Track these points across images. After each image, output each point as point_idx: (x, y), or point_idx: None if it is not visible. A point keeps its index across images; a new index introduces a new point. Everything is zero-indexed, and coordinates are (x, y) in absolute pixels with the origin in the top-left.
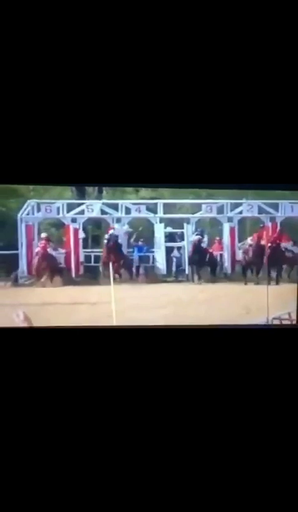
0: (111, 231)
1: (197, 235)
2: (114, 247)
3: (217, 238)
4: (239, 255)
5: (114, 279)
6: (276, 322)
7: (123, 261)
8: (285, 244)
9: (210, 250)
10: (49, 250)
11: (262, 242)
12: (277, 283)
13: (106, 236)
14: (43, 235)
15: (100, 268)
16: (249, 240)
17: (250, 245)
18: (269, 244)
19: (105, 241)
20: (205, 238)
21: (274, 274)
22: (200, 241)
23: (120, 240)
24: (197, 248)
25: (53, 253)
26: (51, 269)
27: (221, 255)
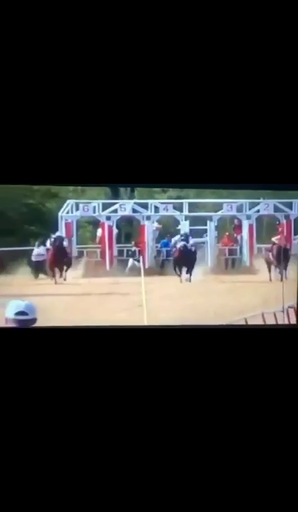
0: (57, 233)
1: (182, 240)
2: (60, 248)
3: (227, 233)
4: (255, 250)
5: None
6: (291, 310)
7: (67, 260)
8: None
9: (220, 245)
10: None
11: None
12: (281, 279)
13: (53, 237)
14: None
15: (46, 268)
16: (274, 240)
17: (274, 244)
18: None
19: (52, 242)
20: (191, 242)
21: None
22: (185, 246)
23: (64, 242)
24: (182, 253)
25: None
26: None
27: (232, 249)
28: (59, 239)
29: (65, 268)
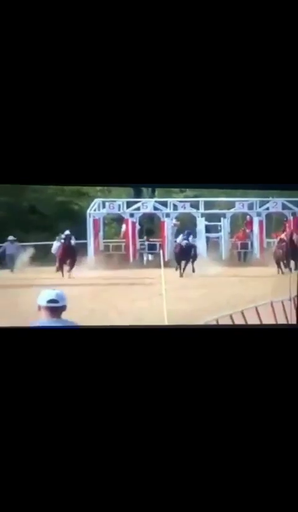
0: (66, 232)
1: (184, 239)
2: (69, 246)
3: (242, 229)
4: (265, 245)
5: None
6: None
7: (75, 256)
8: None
9: (233, 240)
10: None
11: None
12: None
13: (62, 236)
14: None
15: (56, 264)
16: (282, 236)
17: (281, 240)
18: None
19: (62, 240)
20: (191, 239)
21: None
22: (187, 244)
23: (72, 241)
24: (183, 250)
25: None
26: None
27: (245, 244)
28: (68, 238)
29: (69, 263)
